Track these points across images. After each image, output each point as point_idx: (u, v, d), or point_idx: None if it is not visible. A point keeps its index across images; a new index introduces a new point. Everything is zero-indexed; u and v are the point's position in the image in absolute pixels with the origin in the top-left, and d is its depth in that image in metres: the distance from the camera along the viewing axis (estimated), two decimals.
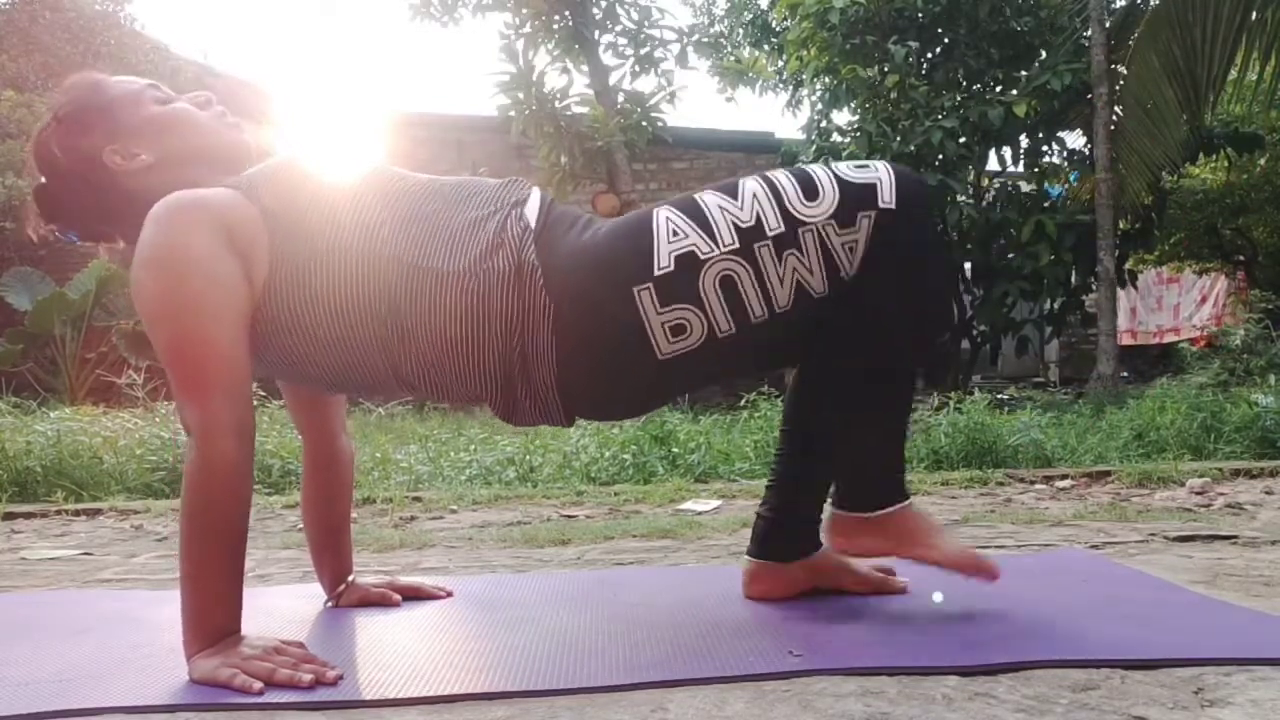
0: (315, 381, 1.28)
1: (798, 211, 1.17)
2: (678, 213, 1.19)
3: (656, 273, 1.15)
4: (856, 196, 1.17)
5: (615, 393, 1.26)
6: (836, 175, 1.19)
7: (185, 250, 1.12)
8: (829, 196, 1.17)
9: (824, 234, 1.16)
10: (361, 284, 1.17)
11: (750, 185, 1.20)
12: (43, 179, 1.28)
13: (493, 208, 1.23)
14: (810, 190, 1.18)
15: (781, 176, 1.21)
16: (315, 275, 1.17)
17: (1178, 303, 11.47)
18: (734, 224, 1.17)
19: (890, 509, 1.35)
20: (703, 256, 1.16)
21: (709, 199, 1.20)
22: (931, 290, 1.27)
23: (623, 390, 1.26)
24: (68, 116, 1.26)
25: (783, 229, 1.16)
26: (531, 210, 1.24)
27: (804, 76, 7.43)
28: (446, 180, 1.28)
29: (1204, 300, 11.24)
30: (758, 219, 1.17)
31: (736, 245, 1.16)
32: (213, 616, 1.09)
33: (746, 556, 1.44)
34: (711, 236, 1.16)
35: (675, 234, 1.17)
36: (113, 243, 1.33)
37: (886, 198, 1.17)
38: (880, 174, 1.19)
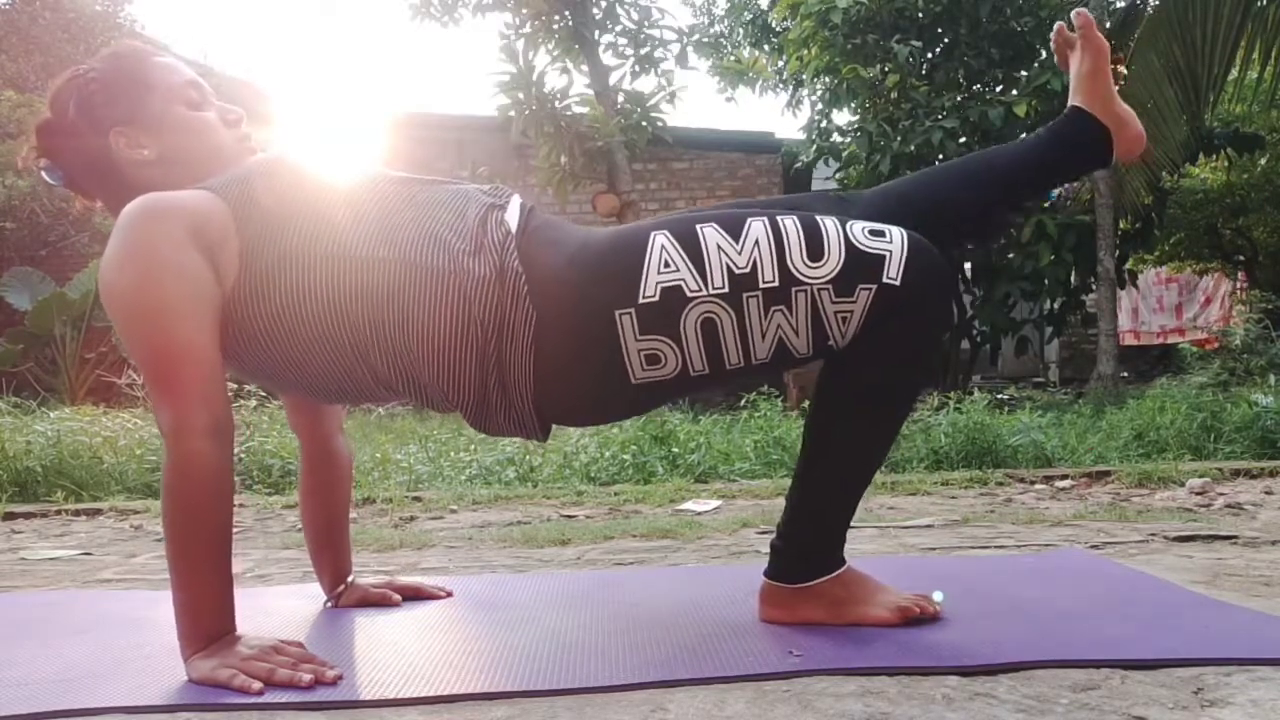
0: (295, 387, 1.26)
1: (796, 269, 1.12)
2: (674, 242, 1.15)
3: (640, 300, 1.13)
4: (861, 266, 1.12)
5: (588, 406, 1.25)
6: (847, 238, 1.14)
7: (152, 250, 1.10)
8: (833, 260, 1.12)
9: (818, 298, 1.12)
10: (335, 281, 1.15)
11: (755, 228, 1.15)
12: (49, 115, 1.27)
13: (473, 210, 1.21)
14: (816, 249, 1.13)
15: (790, 225, 1.15)
16: (287, 272, 1.15)
17: (1179, 303, 11.47)
18: (728, 267, 1.13)
19: (823, 579, 1.26)
20: (689, 294, 1.12)
21: (709, 233, 1.15)
22: (914, 384, 1.24)
23: (596, 405, 1.25)
24: (100, 79, 1.24)
25: (776, 284, 1.12)
26: (512, 215, 1.22)
27: (804, 76, 7.44)
28: (424, 180, 1.27)
29: (1209, 301, 11.24)
30: (753, 267, 1.12)
31: (725, 290, 1.12)
32: (204, 619, 1.09)
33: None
34: (702, 275, 1.13)
35: (667, 265, 1.14)
36: (91, 201, 1.32)
37: (892, 273, 1.12)
38: (893, 246, 1.13)
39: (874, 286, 1.12)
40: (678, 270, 1.13)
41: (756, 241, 1.14)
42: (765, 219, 1.16)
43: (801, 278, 1.12)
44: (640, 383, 1.16)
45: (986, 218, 1.41)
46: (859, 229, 1.15)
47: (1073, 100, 1.36)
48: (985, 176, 1.35)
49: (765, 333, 1.13)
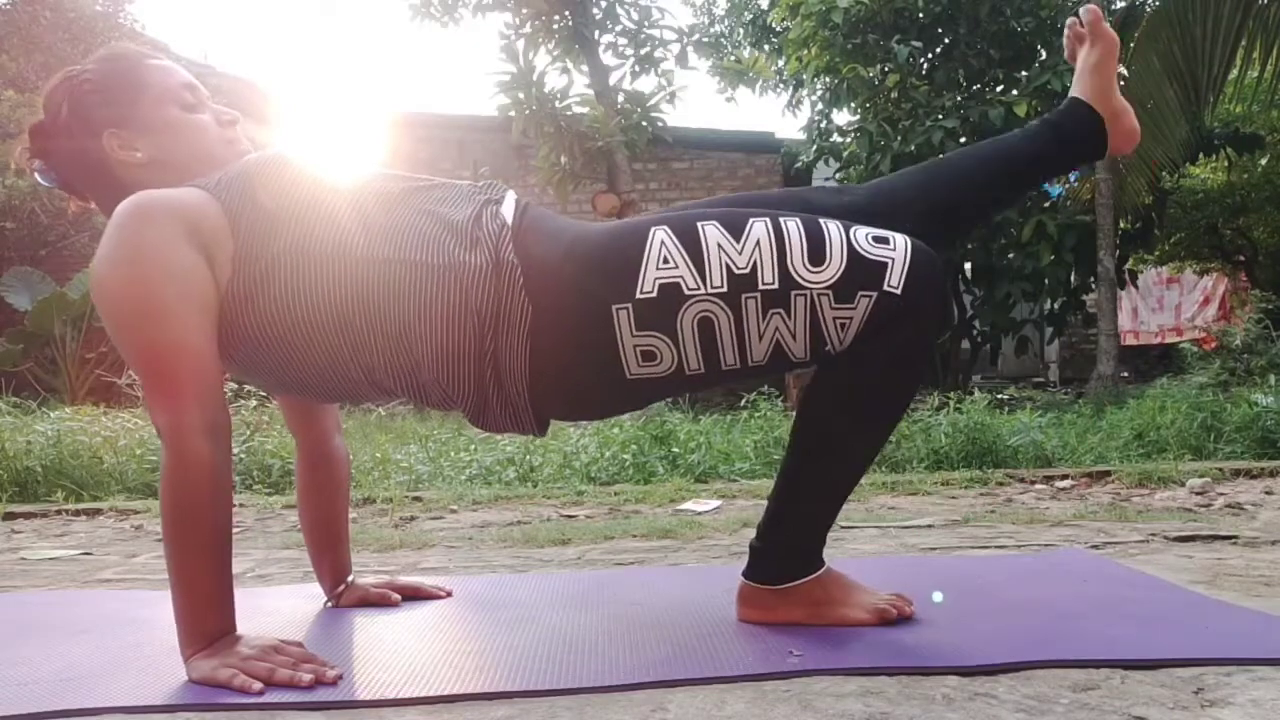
0: (291, 388, 1.26)
1: (797, 273, 1.11)
2: (674, 238, 1.14)
3: (638, 295, 1.12)
4: (862, 272, 1.11)
5: (584, 401, 1.25)
6: (850, 243, 1.13)
7: (147, 248, 1.09)
8: (835, 265, 1.11)
9: (817, 303, 1.11)
10: (332, 282, 1.14)
11: (757, 229, 1.14)
12: (43, 117, 1.26)
13: (468, 206, 1.21)
14: (817, 254, 1.12)
15: (792, 227, 1.14)
16: (281, 273, 1.14)
17: (1179, 303, 11.47)
18: (727, 267, 1.11)
19: (803, 580, 1.26)
20: (687, 292, 1.11)
21: (710, 231, 1.14)
22: (908, 388, 1.22)
23: (592, 400, 1.25)
24: (94, 80, 1.24)
25: (776, 286, 1.11)
26: (508, 209, 1.22)
27: (804, 76, 7.44)
28: (419, 179, 1.26)
29: (1207, 301, 11.24)
30: (753, 268, 1.11)
31: (724, 290, 1.11)
32: (204, 619, 1.09)
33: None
34: (701, 273, 1.12)
35: (666, 261, 1.13)
36: (85, 202, 1.31)
37: (894, 282, 1.11)
38: (896, 253, 1.13)
39: (874, 294, 1.11)
40: (677, 267, 1.12)
41: (758, 242, 1.13)
42: (768, 219, 1.15)
43: (802, 281, 1.11)
44: (635, 378, 1.16)
45: (981, 215, 1.48)
46: (863, 235, 1.14)
47: (1073, 92, 1.39)
48: (980, 176, 1.35)
49: (763, 335, 1.13)
